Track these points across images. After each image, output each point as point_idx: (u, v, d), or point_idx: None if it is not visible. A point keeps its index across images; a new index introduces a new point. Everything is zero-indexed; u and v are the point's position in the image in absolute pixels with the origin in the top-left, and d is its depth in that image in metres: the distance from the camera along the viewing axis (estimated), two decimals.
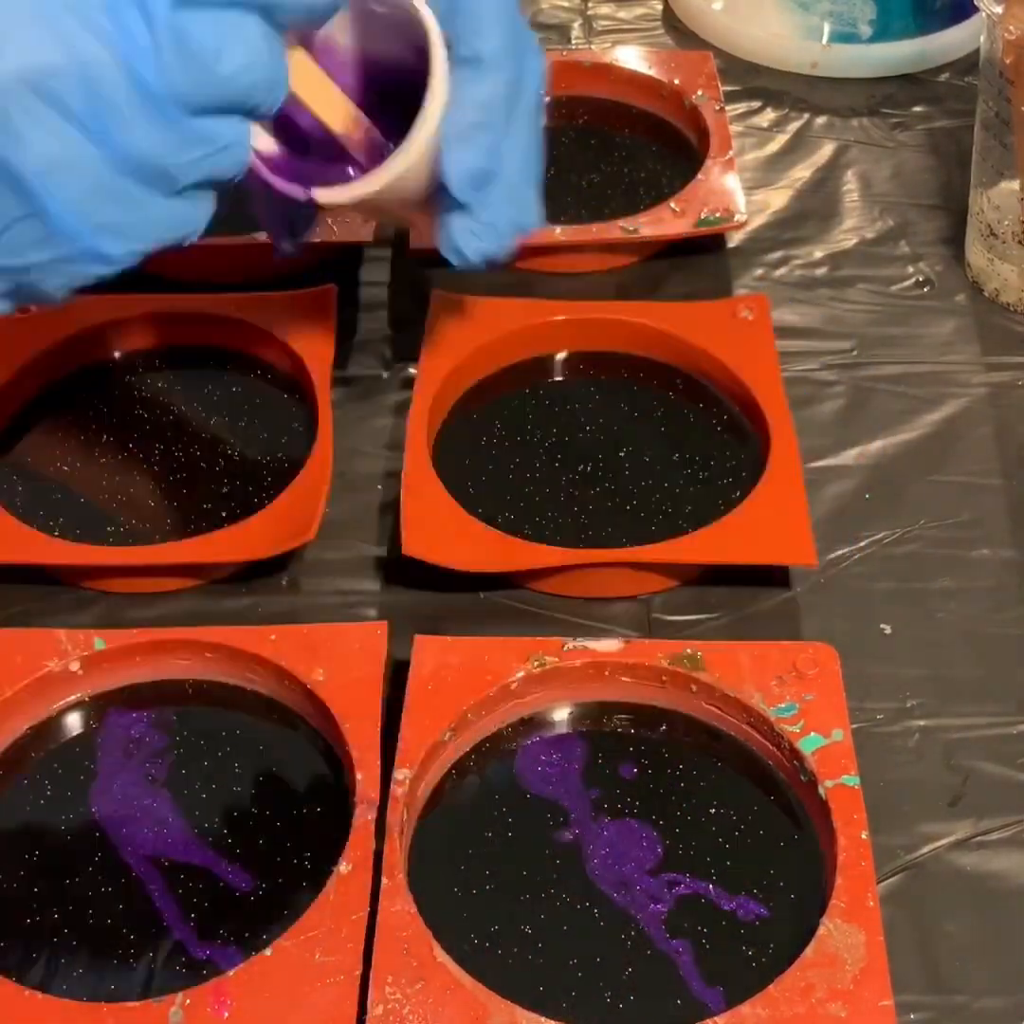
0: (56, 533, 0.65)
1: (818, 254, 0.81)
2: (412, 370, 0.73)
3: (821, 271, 0.80)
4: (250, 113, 0.46)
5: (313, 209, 0.56)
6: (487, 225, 0.55)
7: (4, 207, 0.44)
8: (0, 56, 0.42)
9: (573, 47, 0.95)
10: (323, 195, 0.54)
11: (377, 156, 0.54)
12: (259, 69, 0.45)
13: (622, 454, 0.69)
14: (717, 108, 0.84)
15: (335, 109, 0.54)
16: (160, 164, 0.45)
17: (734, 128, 0.87)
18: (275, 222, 0.62)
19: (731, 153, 0.81)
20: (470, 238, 0.55)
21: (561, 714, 0.59)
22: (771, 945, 0.52)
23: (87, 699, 0.60)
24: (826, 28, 0.94)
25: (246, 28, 0.45)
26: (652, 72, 0.88)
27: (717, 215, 0.78)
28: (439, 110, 0.53)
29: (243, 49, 0.45)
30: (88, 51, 0.43)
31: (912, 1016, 0.52)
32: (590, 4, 1.00)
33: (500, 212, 0.55)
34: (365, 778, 0.54)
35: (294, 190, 0.54)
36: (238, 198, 0.52)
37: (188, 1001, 0.49)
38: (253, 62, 0.45)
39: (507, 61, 0.54)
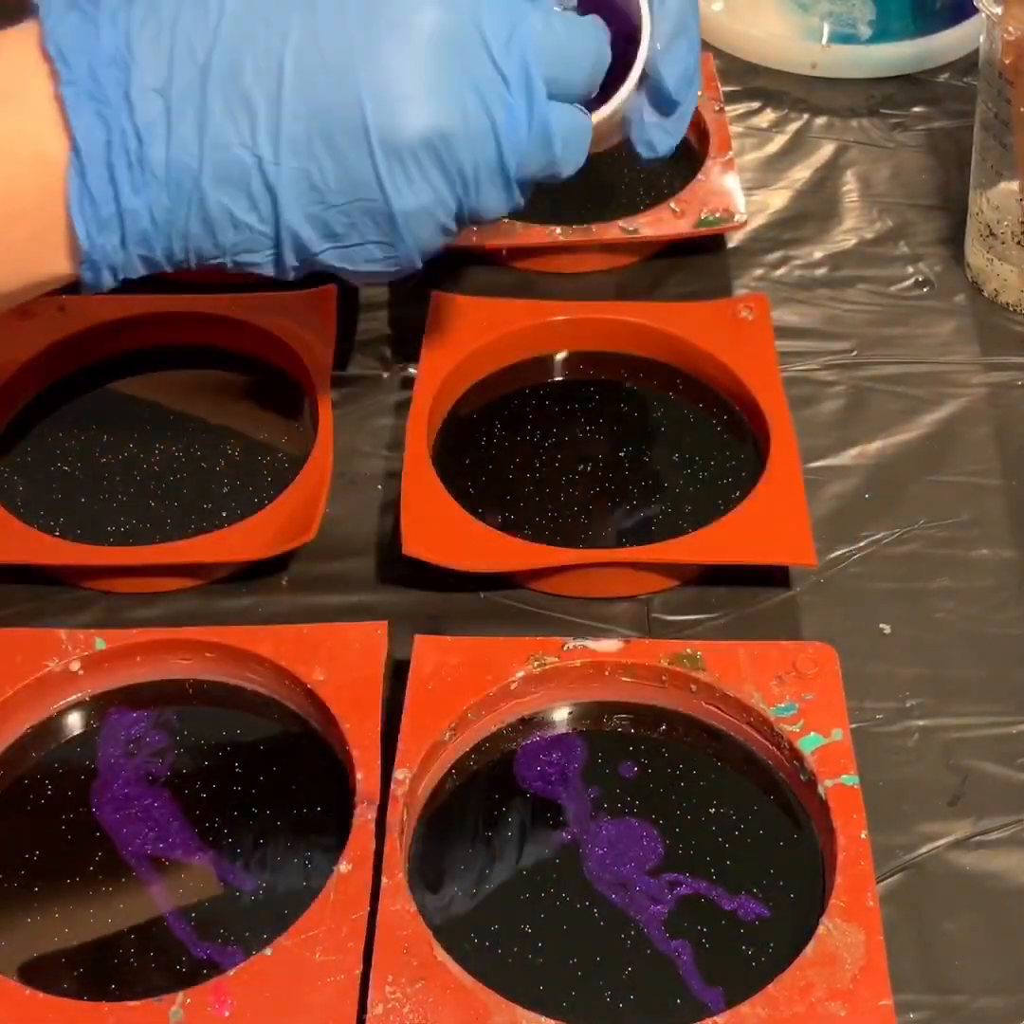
0: (56, 533, 0.65)
1: (818, 254, 0.82)
2: (412, 370, 0.73)
3: (821, 271, 0.80)
4: (545, 180, 0.54)
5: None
6: (679, 119, 0.62)
7: (365, 232, 0.52)
8: (411, 116, 0.49)
9: None
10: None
11: None
12: (580, 155, 0.55)
13: (622, 454, 0.69)
14: (717, 108, 0.85)
15: None
16: (484, 218, 0.54)
17: (734, 128, 0.87)
18: None
19: (731, 153, 0.82)
20: (664, 135, 0.61)
21: (561, 714, 0.59)
22: (770, 945, 0.52)
23: (87, 699, 0.60)
24: (825, 29, 0.94)
25: (587, 122, 0.54)
26: None
27: (717, 215, 0.78)
28: (649, 26, 0.59)
29: (580, 139, 0.54)
30: (479, 124, 0.50)
31: (911, 1015, 0.52)
32: None
33: (691, 104, 0.62)
34: (365, 778, 0.55)
35: None
36: None
37: (188, 1001, 0.49)
38: (581, 149, 0.54)
39: None
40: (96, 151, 0.48)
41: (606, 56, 0.54)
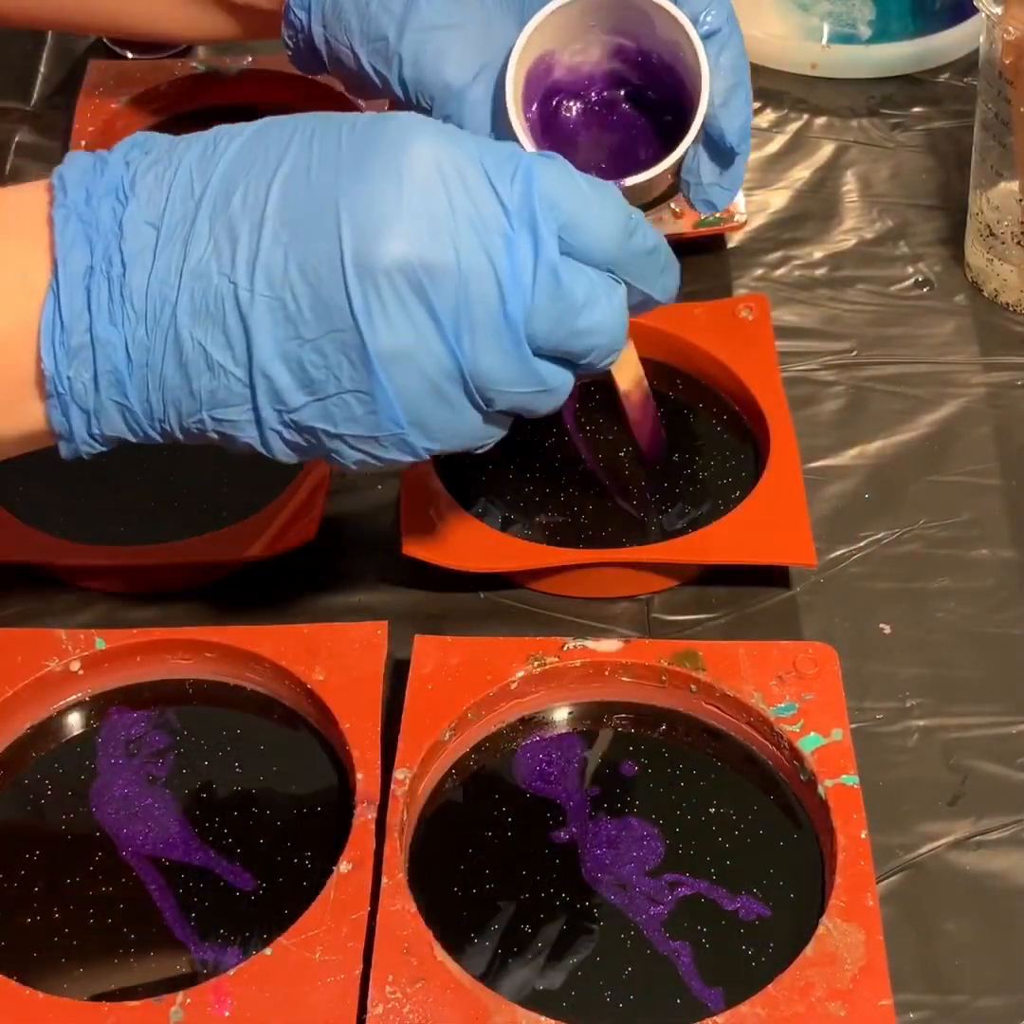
0: (56, 533, 0.65)
1: (818, 254, 0.82)
2: None
3: (821, 271, 0.81)
4: (581, 368, 0.49)
5: None
6: (735, 172, 0.62)
7: (341, 376, 0.47)
8: (387, 239, 0.45)
9: None
10: (630, 180, 0.59)
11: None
12: (608, 333, 0.48)
13: (622, 454, 0.69)
14: None
15: (628, 370, 0.63)
16: (489, 387, 0.47)
17: None
18: None
19: None
20: (721, 192, 0.63)
21: (561, 714, 0.59)
22: (770, 944, 0.52)
23: (87, 699, 0.60)
24: (825, 29, 0.94)
25: (613, 294, 0.48)
26: None
27: (717, 215, 0.78)
28: (708, 82, 0.60)
29: (605, 311, 0.48)
30: (475, 265, 0.46)
31: (911, 1015, 0.52)
32: None
33: (746, 155, 0.62)
34: (365, 778, 0.55)
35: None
36: None
37: (188, 1001, 0.49)
38: (607, 325, 0.48)
39: (733, 21, 0.61)
40: (76, 274, 0.46)
41: (637, 231, 0.49)
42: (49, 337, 0.46)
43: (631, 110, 0.65)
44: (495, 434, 0.50)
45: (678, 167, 0.61)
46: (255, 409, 0.48)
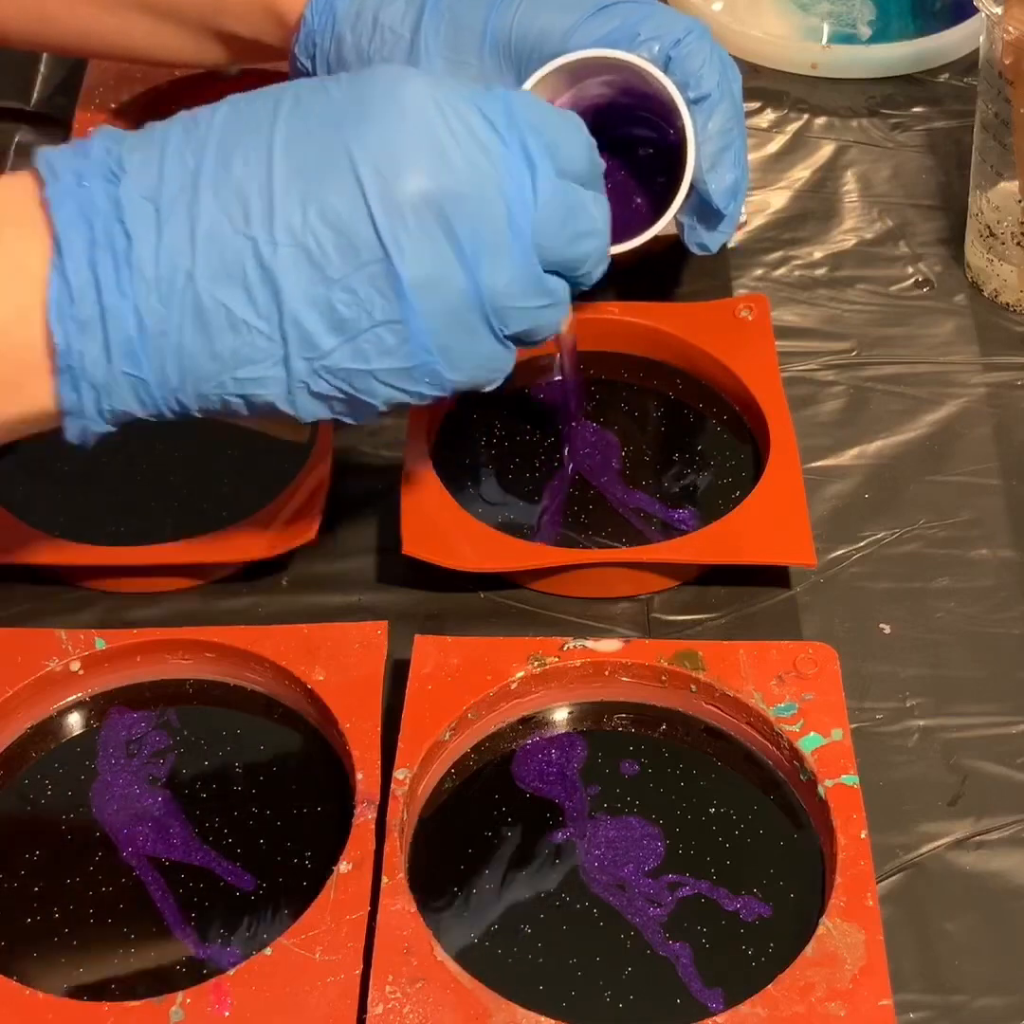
0: (56, 533, 0.65)
1: (818, 254, 0.82)
2: None
3: (821, 271, 0.80)
4: (577, 278, 0.53)
5: None
6: (729, 220, 0.68)
7: (373, 310, 0.49)
8: (410, 173, 0.48)
9: None
10: (616, 249, 0.61)
11: None
12: (599, 238, 0.52)
13: (622, 454, 0.69)
14: None
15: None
16: (506, 304, 0.50)
17: None
18: None
19: None
20: (714, 235, 0.69)
21: (561, 714, 0.59)
22: (770, 944, 0.52)
23: (88, 699, 0.60)
24: (825, 29, 0.94)
25: (598, 202, 0.52)
26: None
27: None
28: (694, 148, 0.64)
29: (594, 217, 0.52)
30: (485, 189, 0.48)
31: (911, 1015, 0.52)
32: None
33: (739, 209, 0.68)
34: (365, 778, 0.55)
35: None
36: None
37: (188, 1000, 0.49)
38: (598, 230, 0.52)
39: (724, 84, 0.66)
40: (79, 249, 0.46)
41: (592, 148, 0.53)
42: (58, 312, 0.46)
43: (622, 170, 0.68)
44: (509, 364, 0.53)
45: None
46: (285, 360, 0.49)
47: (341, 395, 0.50)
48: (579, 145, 0.52)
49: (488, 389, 0.53)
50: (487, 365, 0.52)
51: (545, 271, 0.51)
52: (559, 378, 0.70)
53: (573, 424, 0.70)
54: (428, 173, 0.48)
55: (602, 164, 0.54)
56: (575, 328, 0.65)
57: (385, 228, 0.47)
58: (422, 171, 0.48)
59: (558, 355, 0.69)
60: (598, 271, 0.53)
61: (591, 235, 0.52)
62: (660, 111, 0.65)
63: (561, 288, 0.52)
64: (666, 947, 0.52)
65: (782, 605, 0.64)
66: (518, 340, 0.52)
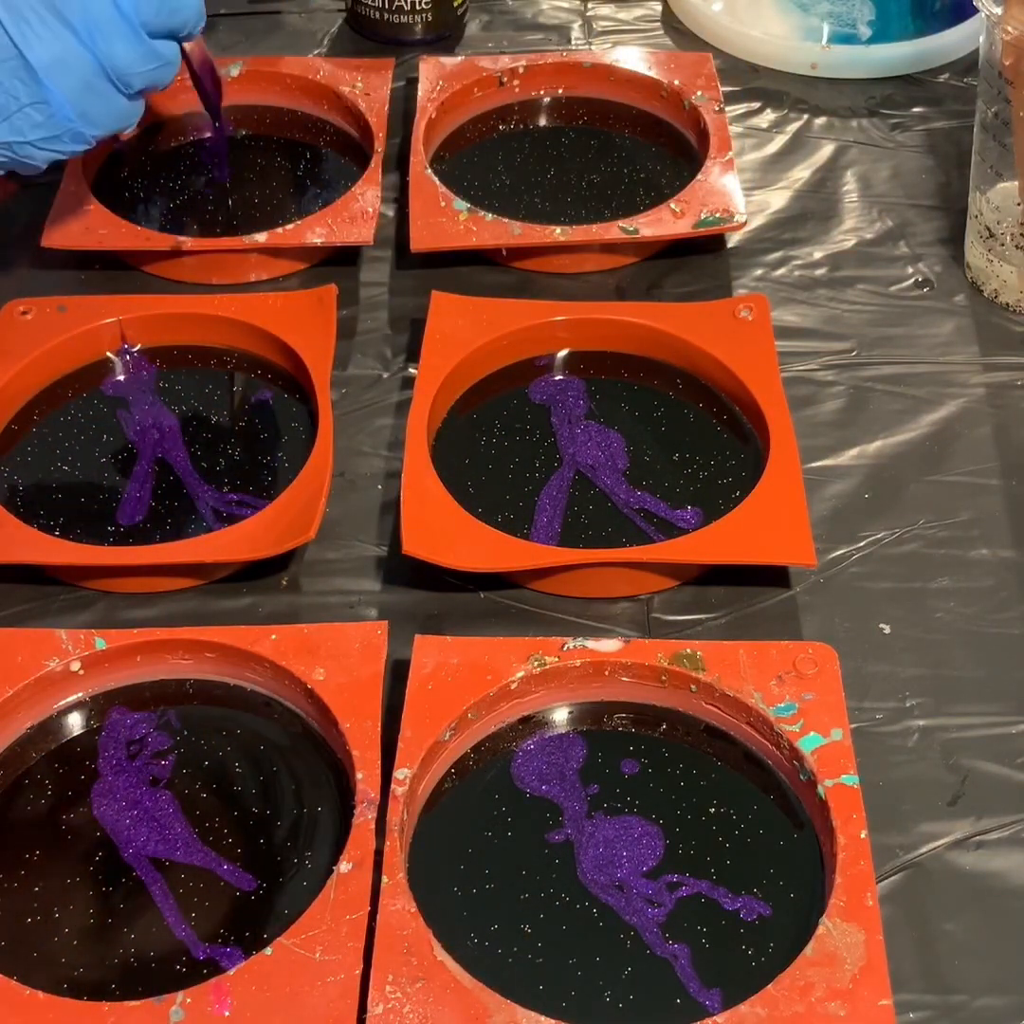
0: (56, 533, 0.65)
1: (817, 254, 0.82)
2: (412, 370, 0.74)
3: (820, 271, 0.81)
4: (183, 38, 0.66)
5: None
6: None
7: (18, 95, 0.62)
8: None
9: (573, 48, 0.95)
10: None
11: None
12: (194, 5, 0.65)
13: (622, 454, 0.69)
14: (716, 109, 0.85)
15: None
16: (126, 71, 0.63)
17: (733, 129, 0.87)
18: None
19: (731, 154, 0.81)
20: None
21: (561, 714, 0.59)
22: (770, 944, 0.52)
23: (88, 699, 0.60)
24: (825, 29, 0.94)
25: None
26: (652, 73, 0.88)
27: (717, 215, 0.78)
28: None
29: None
30: None
31: (911, 1015, 0.52)
32: (590, 5, 1.00)
33: None
34: (365, 778, 0.55)
35: None
36: None
37: (188, 1000, 0.49)
38: (193, 2, 0.65)
39: None
40: None
41: None
42: None
43: None
44: (138, 112, 0.66)
45: None
46: None
47: (5, 159, 0.64)
48: None
49: (126, 135, 0.67)
50: (122, 118, 0.65)
51: (154, 38, 0.63)
52: (202, 95, 0.78)
53: (218, 127, 0.83)
54: None
55: None
56: (200, 44, 0.75)
57: (11, 26, 0.60)
58: None
59: (196, 75, 0.77)
60: (197, 29, 0.66)
61: (185, 6, 0.64)
62: None
63: (170, 50, 0.65)
64: (665, 947, 0.52)
65: (782, 605, 0.64)
66: (144, 93, 0.65)
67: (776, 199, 0.85)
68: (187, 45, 0.73)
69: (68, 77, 0.62)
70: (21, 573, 0.65)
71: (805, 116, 0.91)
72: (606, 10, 0.99)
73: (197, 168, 0.84)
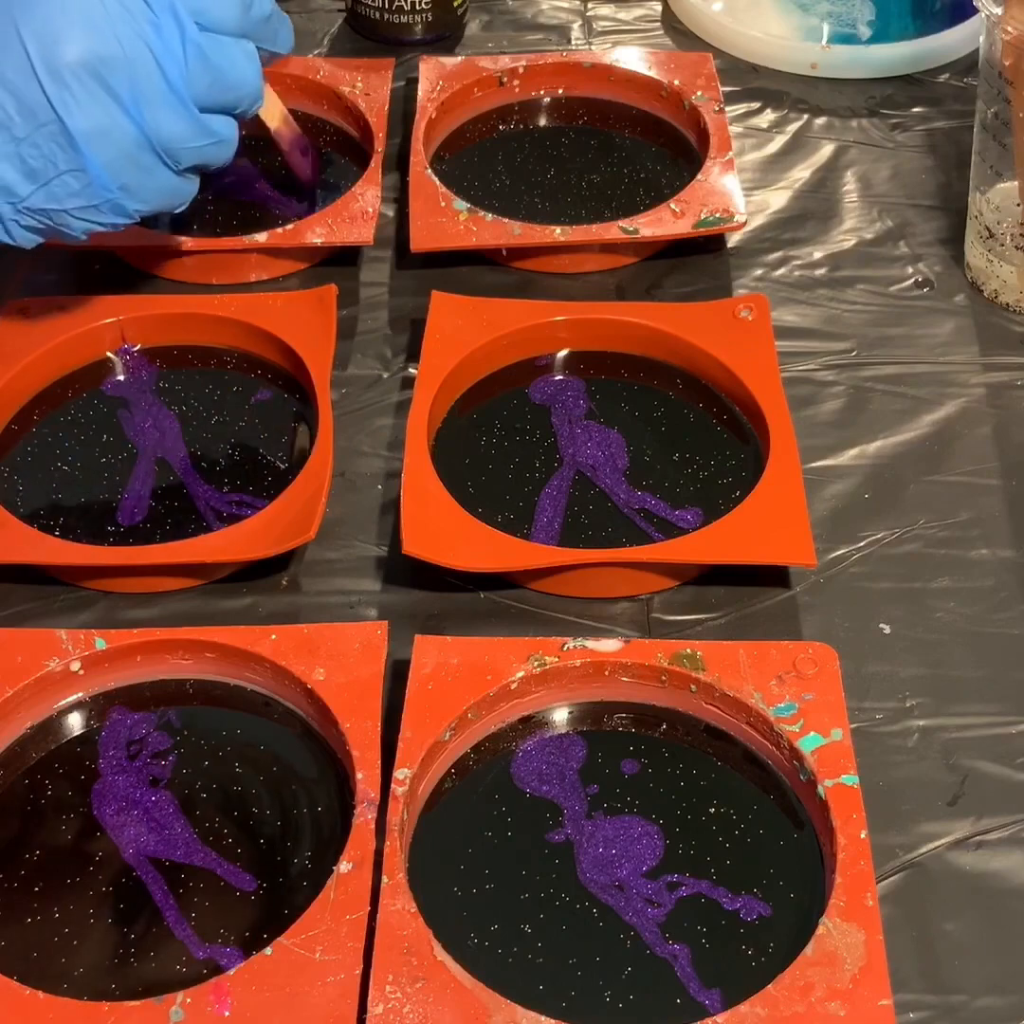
0: (56, 533, 0.65)
1: (817, 254, 0.82)
2: (412, 370, 0.74)
3: (820, 271, 0.81)
4: (239, 115, 0.64)
5: None
6: None
7: (56, 161, 0.59)
8: (66, 43, 0.58)
9: (573, 48, 0.95)
10: None
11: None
12: (250, 83, 0.63)
13: (622, 454, 0.69)
14: (716, 109, 0.85)
15: (273, 112, 0.75)
16: (174, 146, 0.61)
17: (734, 129, 0.87)
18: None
19: (731, 154, 0.81)
20: None
21: (561, 714, 0.59)
22: (770, 944, 0.52)
23: (88, 699, 0.60)
24: (825, 29, 0.94)
25: (247, 51, 0.63)
26: (652, 73, 0.88)
27: (717, 215, 0.78)
28: None
29: (244, 66, 0.62)
30: (136, 50, 0.59)
31: (911, 1015, 0.52)
32: (590, 5, 1.00)
33: None
34: (365, 778, 0.55)
35: None
36: None
37: (188, 1000, 0.49)
38: (248, 76, 0.63)
39: None
40: None
41: (253, 5, 0.62)
42: None
43: None
44: (191, 191, 0.64)
45: None
46: None
47: (44, 227, 0.62)
48: (229, 5, 0.61)
49: (178, 210, 0.65)
50: (170, 195, 0.63)
51: (208, 111, 0.61)
52: (300, 176, 0.80)
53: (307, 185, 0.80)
54: (81, 41, 0.58)
55: (266, 10, 0.63)
56: (289, 122, 0.76)
57: (53, 92, 0.58)
58: (76, 40, 0.58)
59: (286, 150, 0.78)
60: (254, 108, 0.64)
61: (242, 83, 0.62)
62: None
63: (225, 126, 0.62)
64: (665, 947, 0.52)
65: (782, 605, 0.64)
66: (197, 170, 0.63)
67: (776, 199, 0.85)
68: (274, 127, 0.74)
69: (109, 148, 0.59)
70: (21, 573, 0.65)
71: (805, 116, 0.91)
72: (606, 10, 0.99)
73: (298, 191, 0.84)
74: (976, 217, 0.77)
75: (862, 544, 0.67)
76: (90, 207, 0.61)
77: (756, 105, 0.91)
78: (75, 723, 0.59)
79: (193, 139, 0.61)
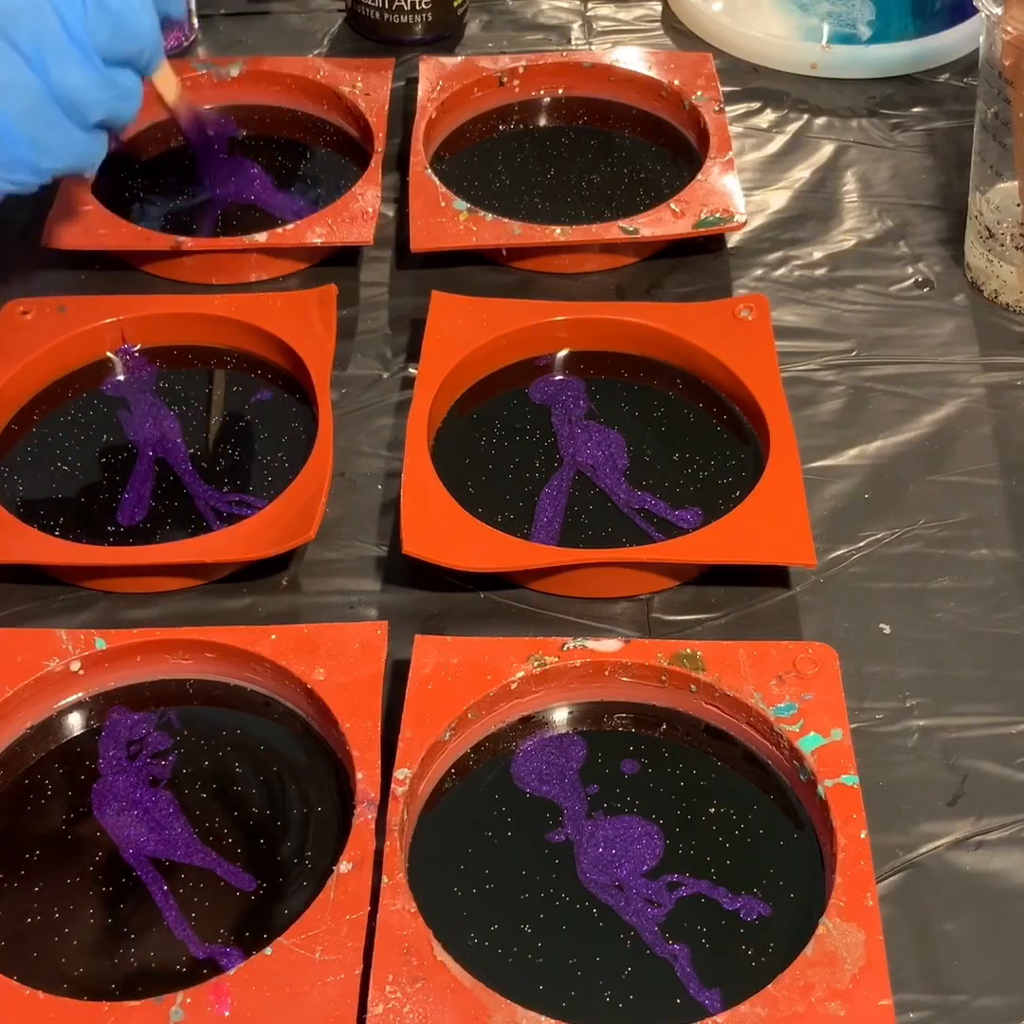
0: (56, 533, 0.65)
1: (817, 254, 0.82)
2: (412, 370, 0.74)
3: (820, 271, 0.81)
4: (141, 70, 0.64)
5: None
6: None
7: None
8: None
9: (573, 48, 0.95)
10: None
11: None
12: (149, 35, 0.63)
13: (622, 454, 0.69)
14: (716, 109, 0.85)
15: (169, 87, 0.72)
16: (79, 99, 0.61)
17: (734, 129, 0.87)
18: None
19: (731, 154, 0.82)
20: None
21: (561, 714, 0.59)
22: (770, 944, 0.52)
23: (88, 699, 0.60)
24: (825, 29, 0.94)
25: (143, 2, 0.62)
26: (652, 73, 0.88)
27: (717, 215, 0.78)
28: None
29: (141, 15, 0.62)
30: (35, 3, 0.59)
31: (911, 1015, 0.52)
32: (590, 5, 1.00)
33: None
34: (365, 778, 0.55)
35: None
36: None
37: (188, 1000, 0.49)
38: (146, 28, 0.63)
39: None
40: None
41: None
42: None
43: None
44: (100, 150, 0.64)
45: None
46: None
47: None
48: None
49: (87, 175, 0.65)
50: (79, 153, 0.63)
51: (111, 66, 0.61)
52: (195, 147, 0.79)
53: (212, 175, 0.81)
54: None
55: None
56: (184, 95, 0.74)
57: None
58: None
59: (180, 122, 0.76)
60: (156, 63, 0.65)
61: (140, 34, 0.62)
62: None
63: (128, 78, 0.63)
64: (665, 947, 0.52)
65: (782, 605, 0.64)
66: (105, 127, 0.63)
67: (776, 199, 0.85)
68: (171, 101, 0.72)
69: (16, 101, 0.60)
70: (21, 573, 0.65)
71: (805, 116, 0.91)
72: (606, 10, 0.99)
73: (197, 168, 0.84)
74: (976, 217, 0.77)
75: (862, 544, 0.67)
76: (3, 164, 0.61)
77: (756, 105, 0.91)
78: (75, 723, 0.59)
79: (98, 91, 0.61)
